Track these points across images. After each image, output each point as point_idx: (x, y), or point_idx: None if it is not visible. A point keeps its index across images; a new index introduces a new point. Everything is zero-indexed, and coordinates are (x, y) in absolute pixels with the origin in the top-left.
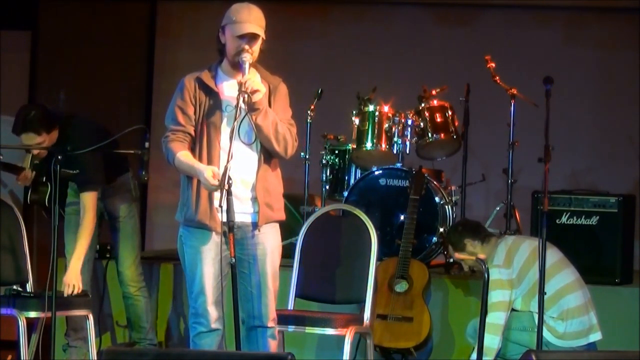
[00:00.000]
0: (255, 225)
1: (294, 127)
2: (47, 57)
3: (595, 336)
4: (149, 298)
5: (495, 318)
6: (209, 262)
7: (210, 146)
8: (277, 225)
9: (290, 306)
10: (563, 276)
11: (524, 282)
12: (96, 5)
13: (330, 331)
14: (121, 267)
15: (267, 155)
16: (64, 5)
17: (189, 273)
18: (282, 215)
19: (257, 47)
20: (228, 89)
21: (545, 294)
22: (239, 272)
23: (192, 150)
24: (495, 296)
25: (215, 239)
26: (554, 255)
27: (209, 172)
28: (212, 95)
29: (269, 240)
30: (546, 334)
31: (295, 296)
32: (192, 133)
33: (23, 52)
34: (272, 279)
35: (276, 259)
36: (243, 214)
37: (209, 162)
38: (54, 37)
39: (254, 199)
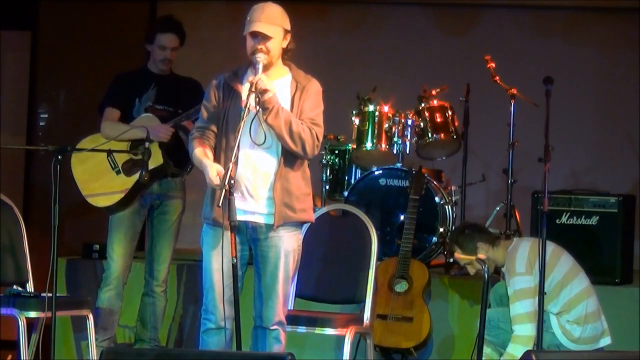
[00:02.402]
0: (270, 227)
1: (319, 127)
2: (47, 57)
3: (606, 341)
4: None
5: (528, 330)
6: (221, 259)
7: (227, 145)
8: (296, 229)
9: (291, 306)
10: (580, 280)
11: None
12: (96, 5)
13: (330, 331)
14: (158, 264)
15: (290, 155)
16: (64, 5)
17: (203, 268)
18: (307, 217)
19: (273, 45)
20: (246, 89)
21: (546, 294)
22: (255, 271)
23: (215, 148)
24: (526, 306)
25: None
26: (568, 259)
27: (213, 172)
28: (234, 94)
29: (284, 244)
30: (560, 337)
31: (295, 296)
32: (216, 131)
33: (23, 52)
34: (282, 283)
35: (289, 263)
36: (257, 214)
37: (226, 160)
38: (54, 37)
39: (271, 200)
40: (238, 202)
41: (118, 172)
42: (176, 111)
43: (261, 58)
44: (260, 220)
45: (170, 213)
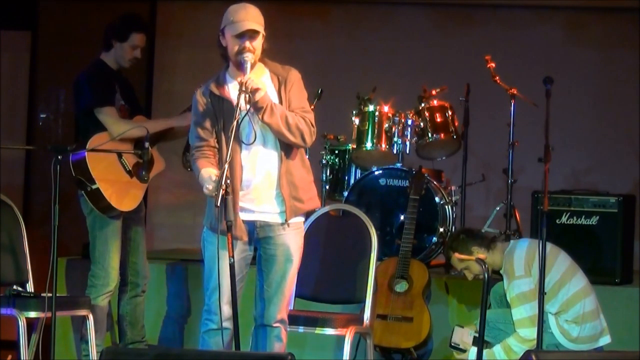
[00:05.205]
0: (279, 225)
1: (310, 114)
2: (47, 57)
3: (605, 339)
4: None
5: (532, 333)
6: (227, 260)
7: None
8: (301, 225)
9: (291, 306)
10: (578, 280)
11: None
12: (96, 5)
13: (330, 331)
14: (143, 262)
15: (288, 149)
16: (64, 5)
17: (206, 270)
18: (314, 204)
19: (258, 44)
20: (234, 91)
21: (546, 294)
22: (258, 270)
23: (219, 159)
24: (528, 310)
25: (238, 243)
26: (566, 259)
27: (212, 177)
28: (225, 102)
29: (292, 242)
30: (558, 336)
31: (295, 296)
32: (216, 144)
33: (23, 52)
34: (289, 281)
35: (296, 261)
36: (269, 213)
37: (232, 168)
38: (54, 37)
39: (280, 197)
40: (245, 203)
41: (131, 175)
42: (131, 107)
43: (249, 57)
44: (269, 218)
45: (142, 211)
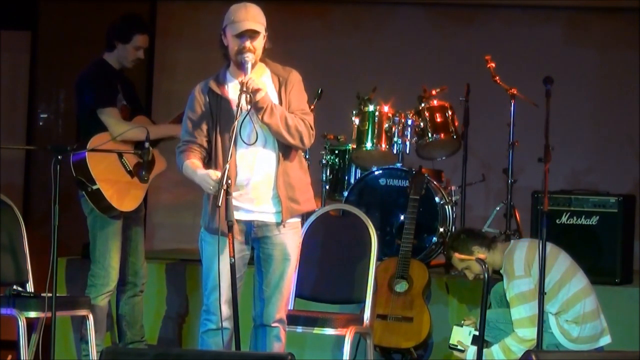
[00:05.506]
0: (276, 225)
1: (309, 116)
2: (47, 57)
3: (605, 339)
4: None
5: (531, 333)
6: (226, 260)
7: (224, 148)
8: (298, 225)
9: (291, 306)
10: (578, 280)
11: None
12: (96, 5)
13: (330, 331)
14: (141, 262)
15: (286, 149)
16: (64, 5)
17: (205, 270)
18: (310, 206)
19: (258, 44)
20: (234, 91)
21: (546, 294)
22: (257, 270)
23: (209, 157)
24: (527, 310)
25: (235, 243)
26: (566, 259)
27: (213, 176)
28: (223, 101)
29: (289, 242)
30: (559, 336)
31: (295, 296)
32: (204, 144)
33: (23, 52)
34: (287, 281)
35: (294, 261)
36: (265, 213)
37: (224, 163)
38: (54, 37)
39: (276, 197)
40: (243, 203)
41: (132, 175)
42: (133, 107)
43: (250, 57)
44: (266, 218)
45: (142, 211)
